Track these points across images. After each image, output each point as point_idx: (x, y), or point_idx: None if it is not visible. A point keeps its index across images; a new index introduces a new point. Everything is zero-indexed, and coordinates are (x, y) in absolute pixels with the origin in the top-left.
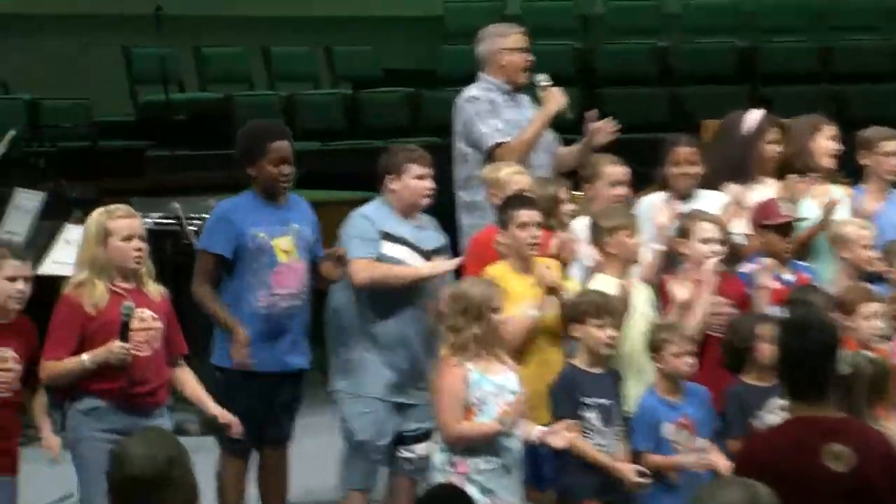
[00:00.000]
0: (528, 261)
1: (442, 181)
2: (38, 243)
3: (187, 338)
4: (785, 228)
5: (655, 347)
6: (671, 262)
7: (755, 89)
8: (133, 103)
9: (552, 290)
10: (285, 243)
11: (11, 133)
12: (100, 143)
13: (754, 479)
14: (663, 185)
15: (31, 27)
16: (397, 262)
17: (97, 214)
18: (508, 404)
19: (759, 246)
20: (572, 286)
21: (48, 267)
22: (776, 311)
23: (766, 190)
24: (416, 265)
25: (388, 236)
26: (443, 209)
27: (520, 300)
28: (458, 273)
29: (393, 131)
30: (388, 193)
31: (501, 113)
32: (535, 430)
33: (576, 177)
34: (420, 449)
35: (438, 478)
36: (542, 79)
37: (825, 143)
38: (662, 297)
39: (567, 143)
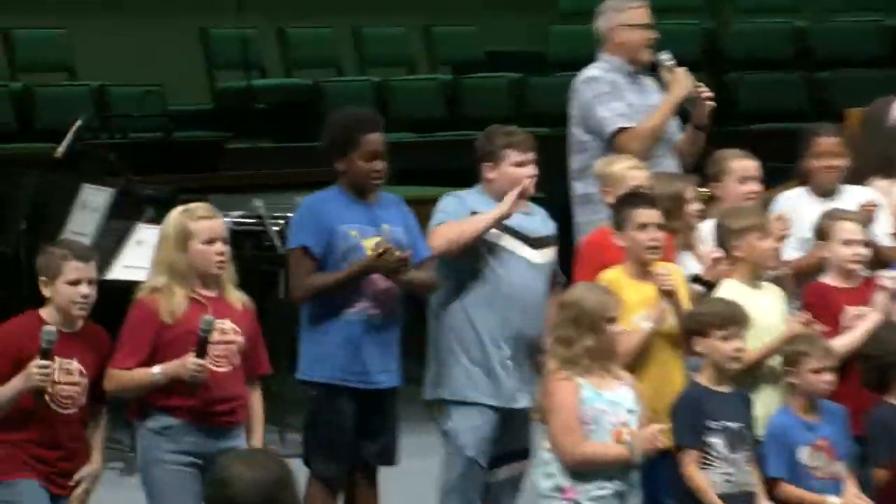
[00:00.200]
0: (646, 266)
1: (553, 175)
2: (107, 245)
3: (270, 353)
4: None
5: (791, 361)
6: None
7: None
8: (211, 90)
9: (671, 297)
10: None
11: (77, 123)
12: (174, 135)
13: None
14: (803, 181)
15: (98, 7)
16: (503, 248)
17: (177, 214)
18: (624, 424)
19: None
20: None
21: (118, 272)
22: None
23: None
24: (523, 253)
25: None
26: (556, 206)
27: (635, 310)
28: (569, 280)
29: (497, 121)
30: (485, 182)
31: (624, 96)
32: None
33: (702, 173)
34: (503, 472)
35: None
36: (667, 58)
37: None
38: (806, 307)
39: None
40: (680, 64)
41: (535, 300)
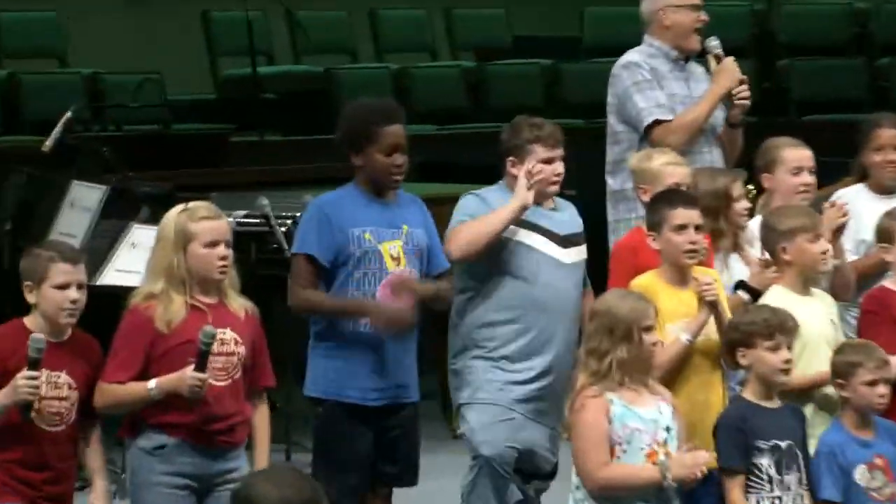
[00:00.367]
0: (684, 271)
1: (587, 172)
2: (98, 247)
3: (276, 364)
4: None
5: (842, 372)
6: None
7: None
8: (213, 79)
9: (714, 308)
10: (395, 249)
11: (68, 114)
12: (173, 127)
13: None
14: (861, 177)
15: None
16: (529, 248)
17: (176, 214)
18: (661, 444)
19: None
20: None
21: (110, 276)
22: None
23: None
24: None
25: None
26: (590, 205)
27: (671, 320)
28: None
29: (526, 112)
30: (508, 179)
31: (666, 85)
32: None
33: (751, 166)
34: (531, 489)
35: None
36: (715, 45)
37: None
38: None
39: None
40: (726, 50)
41: (567, 304)
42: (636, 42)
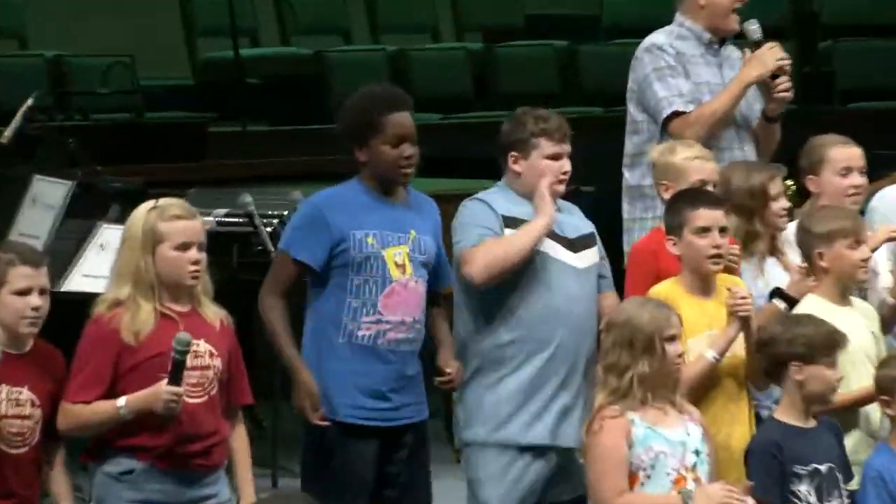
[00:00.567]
0: (707, 279)
1: (605, 165)
2: (63, 249)
3: (262, 377)
4: None
5: (886, 388)
6: None
7: None
8: (191, 62)
9: (746, 324)
10: (400, 255)
11: (29, 102)
12: (146, 116)
13: None
14: None
15: None
16: (542, 256)
17: (145, 212)
18: (690, 468)
19: None
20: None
21: (76, 281)
22: None
23: None
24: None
25: (517, 222)
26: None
27: (692, 332)
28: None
29: (539, 99)
30: (510, 176)
31: (694, 71)
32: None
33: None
34: None
35: None
36: (755, 29)
37: None
38: None
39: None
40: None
41: (584, 315)
42: (660, 22)
